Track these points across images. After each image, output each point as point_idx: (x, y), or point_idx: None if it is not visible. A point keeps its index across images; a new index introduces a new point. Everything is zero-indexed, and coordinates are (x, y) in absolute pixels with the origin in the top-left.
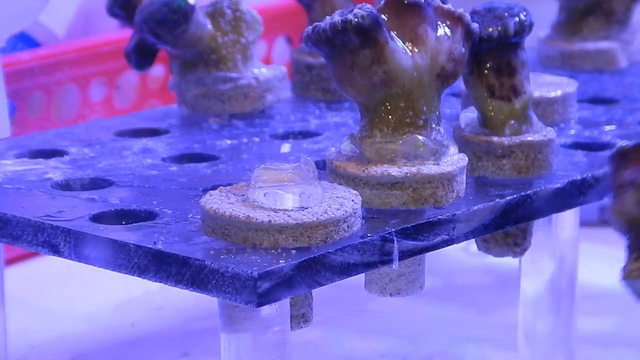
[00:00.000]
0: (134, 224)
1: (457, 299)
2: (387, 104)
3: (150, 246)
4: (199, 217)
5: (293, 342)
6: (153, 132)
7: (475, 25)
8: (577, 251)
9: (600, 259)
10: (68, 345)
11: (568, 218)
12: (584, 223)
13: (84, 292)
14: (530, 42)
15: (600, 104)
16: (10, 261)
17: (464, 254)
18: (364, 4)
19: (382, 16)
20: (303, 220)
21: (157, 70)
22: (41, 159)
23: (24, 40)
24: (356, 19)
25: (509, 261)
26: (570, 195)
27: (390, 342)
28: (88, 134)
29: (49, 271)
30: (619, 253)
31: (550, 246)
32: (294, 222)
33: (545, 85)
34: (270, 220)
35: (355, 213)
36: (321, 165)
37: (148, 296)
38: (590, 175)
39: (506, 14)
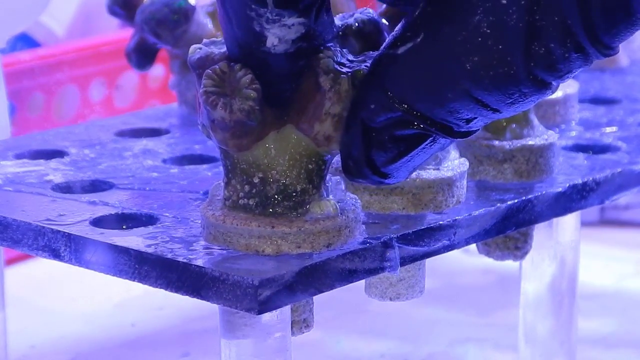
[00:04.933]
0: (135, 229)
1: (457, 300)
2: None
3: (151, 252)
4: (199, 221)
5: (293, 342)
6: (153, 132)
7: None
8: (578, 253)
9: (600, 259)
10: (68, 345)
11: (569, 220)
12: (585, 223)
13: (84, 292)
14: None
15: (601, 104)
16: (10, 261)
17: (464, 255)
18: (365, 8)
19: (383, 20)
20: (305, 227)
21: (158, 70)
22: (41, 160)
23: (24, 40)
24: (357, 24)
25: (509, 262)
26: (572, 199)
27: (390, 342)
28: (88, 134)
29: (49, 271)
30: (619, 253)
31: (551, 248)
32: (297, 229)
33: None
34: (272, 227)
35: (356, 218)
36: None
37: (148, 296)
38: (591, 178)
39: None
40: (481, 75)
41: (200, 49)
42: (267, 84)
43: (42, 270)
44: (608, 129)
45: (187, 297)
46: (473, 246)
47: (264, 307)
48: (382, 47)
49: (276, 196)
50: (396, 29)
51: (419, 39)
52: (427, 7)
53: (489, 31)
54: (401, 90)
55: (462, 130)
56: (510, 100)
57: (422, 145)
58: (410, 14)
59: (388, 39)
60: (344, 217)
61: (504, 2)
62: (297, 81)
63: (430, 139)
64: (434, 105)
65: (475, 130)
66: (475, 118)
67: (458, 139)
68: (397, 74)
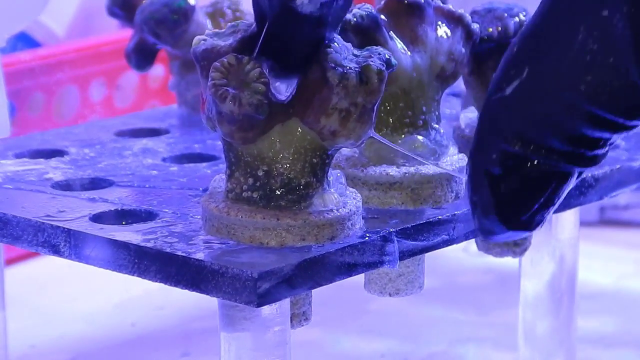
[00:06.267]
0: (134, 224)
1: (457, 299)
2: (387, 104)
3: (150, 246)
4: (199, 217)
5: (293, 341)
6: (153, 132)
7: (475, 26)
8: (577, 251)
9: (600, 259)
10: (68, 345)
11: (568, 218)
12: (584, 223)
13: (84, 292)
14: None
15: None
16: (10, 261)
17: (464, 254)
18: (364, 4)
19: (382, 16)
20: (310, 219)
21: (158, 70)
22: (41, 159)
23: (24, 40)
24: (355, 19)
25: (509, 261)
26: (570, 195)
27: (390, 342)
28: (88, 134)
29: (49, 271)
30: (619, 253)
31: (550, 246)
32: (302, 221)
33: None
34: (277, 219)
35: (358, 211)
36: None
37: (148, 296)
38: (590, 175)
39: (506, 14)
40: (599, 94)
41: (204, 40)
42: (279, 48)
43: (42, 270)
44: None
45: (186, 297)
46: (473, 246)
47: (263, 299)
48: (486, 95)
49: (280, 189)
50: (496, 72)
51: (524, 75)
52: (524, 41)
53: (596, 47)
54: (519, 131)
55: (590, 155)
56: (634, 111)
57: (555, 184)
58: (507, 53)
59: (490, 84)
60: (347, 210)
61: (605, 13)
62: (304, 64)
63: (562, 174)
64: (556, 136)
65: (604, 155)
66: (601, 140)
67: (589, 168)
68: (510, 115)
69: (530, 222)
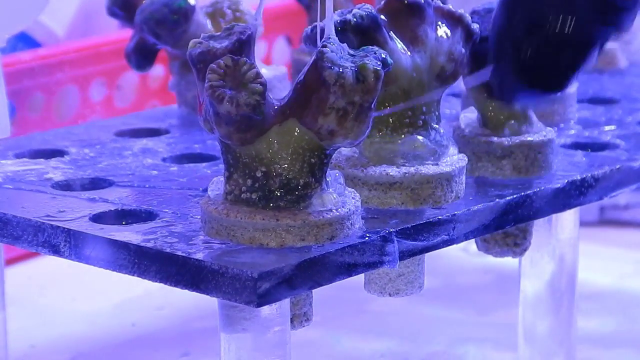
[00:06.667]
0: (135, 225)
1: (457, 299)
2: (386, 104)
3: (150, 246)
4: (199, 217)
5: (293, 342)
6: (153, 132)
7: (475, 26)
8: (577, 251)
9: (600, 259)
10: (68, 345)
11: (568, 218)
12: (584, 223)
13: (84, 292)
14: None
15: (600, 104)
16: (10, 261)
17: (463, 254)
18: (364, 4)
19: (382, 16)
20: (309, 220)
21: (157, 70)
22: (41, 159)
23: (25, 40)
24: (355, 19)
25: (508, 261)
26: (570, 195)
27: (390, 342)
28: (88, 134)
29: (49, 271)
30: (619, 253)
31: (550, 246)
32: (301, 222)
33: None
34: (277, 220)
35: (357, 210)
36: None
37: (148, 296)
38: (589, 175)
39: None
40: None
41: (200, 43)
42: None
43: (42, 270)
44: (607, 128)
45: (186, 297)
46: (473, 246)
47: (263, 300)
48: None
49: (279, 190)
50: None
51: None
52: None
53: None
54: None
55: (612, 19)
56: None
57: (579, 49)
58: None
59: None
60: (346, 209)
61: None
62: None
63: (585, 40)
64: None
65: (630, 21)
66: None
67: (612, 34)
68: None
69: (552, 84)
